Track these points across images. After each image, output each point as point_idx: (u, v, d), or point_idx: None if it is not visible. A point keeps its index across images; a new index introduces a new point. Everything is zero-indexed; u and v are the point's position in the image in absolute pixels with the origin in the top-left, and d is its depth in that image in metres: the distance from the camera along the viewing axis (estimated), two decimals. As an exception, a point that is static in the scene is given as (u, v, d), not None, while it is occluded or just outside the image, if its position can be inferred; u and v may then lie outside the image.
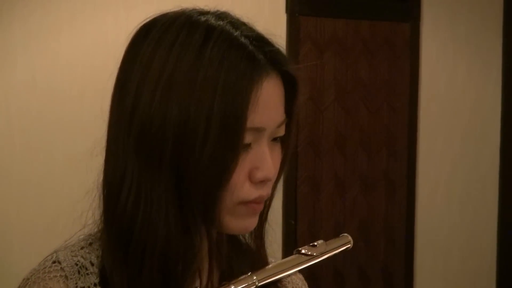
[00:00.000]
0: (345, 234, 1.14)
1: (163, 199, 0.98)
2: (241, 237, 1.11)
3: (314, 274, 4.13)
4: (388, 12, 4.32)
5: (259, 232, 1.10)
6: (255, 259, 1.10)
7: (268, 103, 0.99)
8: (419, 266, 4.45)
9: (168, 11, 1.04)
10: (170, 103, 0.96)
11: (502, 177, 4.67)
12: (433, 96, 4.48)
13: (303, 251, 1.07)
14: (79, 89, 3.67)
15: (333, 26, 4.17)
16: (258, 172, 1.00)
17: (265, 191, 1.02)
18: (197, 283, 1.04)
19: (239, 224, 1.03)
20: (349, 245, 1.13)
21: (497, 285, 4.72)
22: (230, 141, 0.96)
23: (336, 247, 1.11)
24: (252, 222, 1.04)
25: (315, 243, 1.08)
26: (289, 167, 4.05)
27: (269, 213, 1.11)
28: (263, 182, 1.01)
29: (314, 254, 1.06)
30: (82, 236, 1.08)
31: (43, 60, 3.62)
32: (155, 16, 1.04)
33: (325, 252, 1.08)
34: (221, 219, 1.01)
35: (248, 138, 0.98)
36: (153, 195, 0.98)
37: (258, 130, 0.99)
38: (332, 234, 4.24)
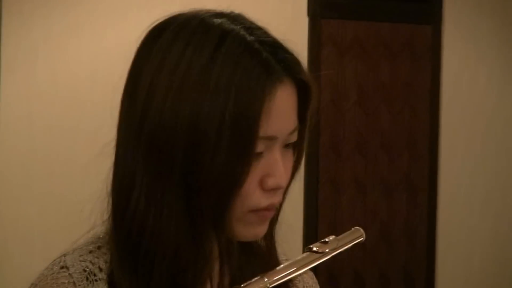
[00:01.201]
0: (357, 227, 1.11)
1: (173, 207, 0.96)
2: (255, 242, 1.09)
3: (334, 276, 4.13)
4: (409, 14, 4.32)
5: (269, 234, 1.07)
6: (266, 260, 1.08)
7: (281, 112, 0.96)
8: (440, 269, 4.43)
9: (182, 12, 1.00)
10: (181, 109, 0.93)
11: (524, 180, 4.64)
12: (455, 98, 4.46)
13: (314, 249, 1.04)
14: (101, 91, 3.67)
15: (354, 28, 4.16)
16: (269, 179, 0.98)
17: (276, 199, 1.00)
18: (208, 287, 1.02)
19: (250, 231, 1.01)
20: (361, 239, 1.10)
21: (519, 288, 4.69)
22: (242, 150, 0.94)
23: (348, 242, 1.08)
24: (262, 230, 1.02)
25: (326, 239, 1.05)
26: (310, 170, 4.05)
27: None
28: (274, 189, 0.99)
29: (326, 250, 1.04)
30: (91, 238, 1.05)
31: (64, 63, 3.64)
32: (168, 17, 1.01)
33: (337, 248, 1.05)
34: (232, 227, 0.99)
35: (260, 146, 0.96)
36: (163, 203, 0.96)
37: (270, 139, 0.96)
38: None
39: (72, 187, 3.68)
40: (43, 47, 3.62)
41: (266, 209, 0.99)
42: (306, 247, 1.04)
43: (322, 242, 1.04)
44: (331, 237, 1.06)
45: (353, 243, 1.09)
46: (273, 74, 0.95)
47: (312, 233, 4.07)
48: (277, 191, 0.99)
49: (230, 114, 0.92)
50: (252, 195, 0.97)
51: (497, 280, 4.63)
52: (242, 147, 0.93)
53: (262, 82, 0.94)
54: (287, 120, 0.98)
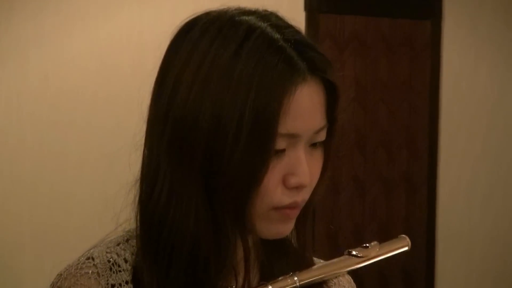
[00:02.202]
0: (403, 235, 1.11)
1: (194, 200, 0.98)
2: (286, 239, 1.09)
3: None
4: (409, 9, 4.30)
5: (300, 235, 1.09)
6: (298, 260, 1.08)
7: (302, 109, 0.97)
8: (440, 268, 4.43)
9: (212, 9, 1.03)
10: (204, 102, 0.96)
11: (525, 178, 4.63)
12: (454, 95, 4.46)
13: (353, 252, 1.05)
14: (92, 87, 3.69)
15: (352, 23, 4.16)
16: (292, 178, 0.99)
17: (300, 197, 1.01)
18: (233, 284, 1.04)
19: (272, 229, 1.02)
20: (406, 248, 1.10)
21: (520, 288, 4.69)
22: (261, 146, 0.95)
23: (390, 249, 1.09)
24: (285, 228, 1.03)
25: (368, 245, 1.06)
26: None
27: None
28: (298, 188, 1.00)
29: (363, 256, 1.05)
30: (122, 232, 1.08)
31: (55, 59, 3.64)
32: (198, 14, 1.03)
33: (376, 255, 1.06)
34: (253, 224, 1.00)
35: (281, 143, 0.97)
36: (184, 195, 0.98)
37: (292, 136, 0.97)
38: (351, 236, 4.23)
39: (63, 182, 3.68)
40: (34, 43, 3.61)
41: (289, 207, 1.00)
42: (346, 250, 1.06)
43: (363, 247, 1.06)
44: (374, 243, 1.07)
45: (396, 251, 1.09)
46: (296, 71, 0.96)
47: (309, 231, 4.04)
48: (300, 189, 1.00)
49: (250, 110, 0.94)
50: (274, 192, 0.98)
51: (497, 278, 4.63)
52: (261, 143, 0.95)
53: (283, 79, 0.95)
54: (311, 119, 0.99)
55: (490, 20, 4.50)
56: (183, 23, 1.04)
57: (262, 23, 0.99)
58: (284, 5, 4.00)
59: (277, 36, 0.98)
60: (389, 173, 4.33)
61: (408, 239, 1.10)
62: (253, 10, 1.02)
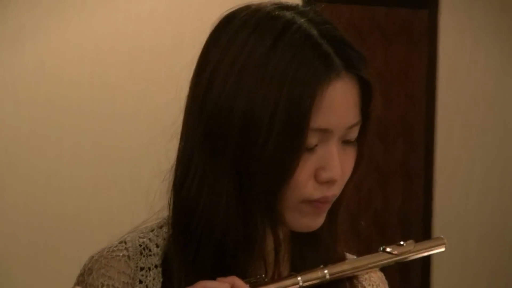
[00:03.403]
0: (441, 236, 1.13)
1: (225, 190, 1.00)
2: (318, 232, 1.09)
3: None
4: (405, -2, 4.29)
5: (332, 229, 1.11)
6: (330, 253, 1.10)
7: (335, 105, 0.98)
8: (436, 258, 4.43)
9: (252, 3, 1.05)
10: (238, 94, 0.98)
11: (521, 168, 4.63)
12: (451, 84, 4.45)
13: (387, 249, 1.08)
14: (88, 76, 3.68)
15: (349, 12, 4.15)
16: (323, 172, 1.00)
17: (331, 192, 1.02)
18: (263, 273, 1.05)
19: (302, 222, 1.04)
20: (442, 248, 1.12)
21: (516, 278, 4.70)
22: (293, 140, 0.97)
23: (426, 248, 1.11)
24: (316, 221, 1.05)
25: (403, 243, 1.08)
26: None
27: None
28: (329, 182, 1.01)
29: (397, 253, 1.08)
30: (157, 219, 1.10)
31: (51, 47, 3.63)
32: (238, 7, 1.05)
33: (411, 253, 1.08)
34: (284, 216, 1.02)
35: (313, 138, 0.98)
36: (216, 185, 1.00)
37: (324, 132, 0.99)
38: (347, 227, 4.23)
39: (59, 171, 3.68)
40: (30, 30, 3.60)
41: (320, 201, 1.02)
42: (381, 246, 1.09)
43: (397, 245, 1.09)
44: (409, 241, 1.09)
45: (431, 251, 1.12)
46: (330, 68, 0.98)
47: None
48: (331, 184, 1.01)
49: (283, 104, 0.96)
50: (305, 186, 1.00)
51: (493, 267, 4.63)
52: (293, 137, 0.97)
53: (317, 74, 0.97)
54: (344, 115, 1.00)
55: (486, 9, 4.48)
56: (223, 15, 1.05)
57: (300, 19, 1.00)
58: (280, -7, 4.01)
59: (314, 32, 0.99)
60: (385, 163, 4.33)
61: (445, 240, 1.12)
62: (292, 5, 1.04)
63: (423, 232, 4.41)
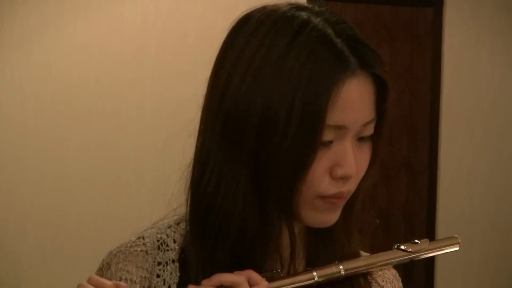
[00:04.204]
0: (455, 235, 1.15)
1: (242, 186, 1.02)
2: (333, 229, 1.11)
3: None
4: (410, -4, 4.29)
5: (347, 226, 1.12)
6: (345, 249, 1.11)
7: (350, 102, 1.00)
8: (440, 255, 4.42)
9: (268, 4, 1.06)
10: (256, 91, 0.99)
11: (525, 165, 4.63)
12: (456, 82, 4.45)
13: (402, 247, 1.09)
14: (94, 76, 3.69)
15: (354, 11, 4.14)
16: (338, 168, 1.01)
17: (345, 187, 1.03)
18: (279, 268, 1.06)
19: (317, 217, 1.05)
20: (456, 248, 1.13)
21: (520, 274, 4.70)
22: (308, 136, 0.98)
23: (440, 247, 1.13)
24: (331, 217, 1.06)
25: (417, 241, 1.10)
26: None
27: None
28: (344, 178, 1.02)
29: (412, 251, 1.09)
30: (175, 216, 1.12)
31: (58, 47, 3.64)
32: (255, 7, 1.07)
33: (425, 251, 1.10)
34: (299, 212, 1.03)
35: (328, 135, 1.00)
36: (233, 182, 1.02)
37: (340, 128, 1.00)
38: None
39: (65, 167, 3.69)
40: (37, 31, 3.61)
41: (335, 196, 1.03)
42: (395, 244, 1.10)
43: (412, 242, 1.10)
44: (424, 239, 1.11)
45: (446, 250, 1.13)
46: (345, 66, 0.99)
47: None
48: (346, 180, 1.03)
49: (299, 101, 0.97)
50: (320, 181, 1.01)
51: (497, 263, 4.63)
52: (309, 133, 0.98)
53: (333, 72, 0.98)
54: (359, 112, 1.01)
55: (491, 7, 4.48)
56: (240, 15, 1.07)
57: (315, 19, 1.01)
58: (286, -8, 4.01)
59: (329, 31, 1.00)
60: (390, 159, 4.32)
61: (459, 239, 1.13)
62: (308, 6, 1.05)
63: (426, 228, 4.42)
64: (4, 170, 3.61)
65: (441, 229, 4.46)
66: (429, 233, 4.42)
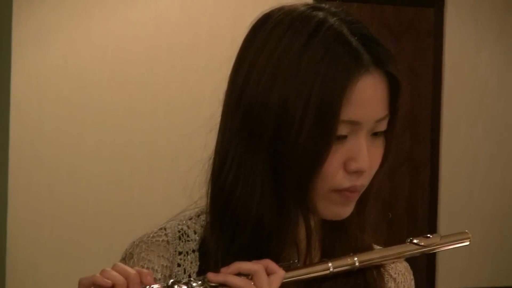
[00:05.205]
0: (466, 230, 1.16)
1: (259, 179, 1.03)
2: (347, 222, 1.12)
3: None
4: (412, -3, 4.31)
5: (360, 219, 1.13)
6: (358, 242, 1.12)
7: (364, 99, 1.02)
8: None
9: (285, 4, 1.09)
10: (273, 88, 1.01)
11: (524, 160, 4.64)
12: (456, 80, 4.48)
13: (414, 241, 1.10)
14: (110, 72, 3.72)
15: (357, 11, 4.01)
16: (352, 163, 1.03)
17: (359, 182, 1.05)
18: (295, 259, 1.08)
19: (332, 210, 1.06)
20: (467, 242, 1.14)
21: (519, 266, 4.72)
22: (324, 131, 1.00)
23: (451, 241, 1.13)
24: (345, 210, 1.07)
25: (429, 235, 1.10)
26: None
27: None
28: (357, 172, 1.04)
29: (424, 245, 1.10)
30: (196, 208, 1.14)
31: (74, 44, 3.68)
32: (273, 8, 1.09)
33: (437, 245, 1.11)
34: (315, 204, 1.05)
35: (343, 130, 1.01)
36: (251, 174, 1.04)
37: (354, 124, 1.02)
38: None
39: (81, 163, 3.71)
40: (53, 27, 3.64)
41: (349, 190, 1.05)
42: (408, 238, 1.11)
43: (424, 237, 1.11)
44: (436, 234, 1.12)
45: (457, 244, 1.14)
46: (360, 63, 1.01)
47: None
48: (360, 174, 1.04)
49: (315, 97, 0.99)
50: (335, 175, 1.03)
51: (498, 256, 4.67)
52: (324, 128, 1.00)
53: (348, 69, 1.00)
54: (373, 108, 1.03)
55: (491, 8, 4.50)
56: (260, 15, 1.09)
57: (331, 18, 1.04)
58: (292, -6, 4.06)
59: (344, 30, 1.02)
60: (393, 155, 4.29)
61: (470, 234, 1.15)
62: (324, 6, 1.07)
63: (428, 221, 4.45)
64: (21, 166, 3.63)
65: (442, 222, 4.50)
66: (431, 225, 4.46)
